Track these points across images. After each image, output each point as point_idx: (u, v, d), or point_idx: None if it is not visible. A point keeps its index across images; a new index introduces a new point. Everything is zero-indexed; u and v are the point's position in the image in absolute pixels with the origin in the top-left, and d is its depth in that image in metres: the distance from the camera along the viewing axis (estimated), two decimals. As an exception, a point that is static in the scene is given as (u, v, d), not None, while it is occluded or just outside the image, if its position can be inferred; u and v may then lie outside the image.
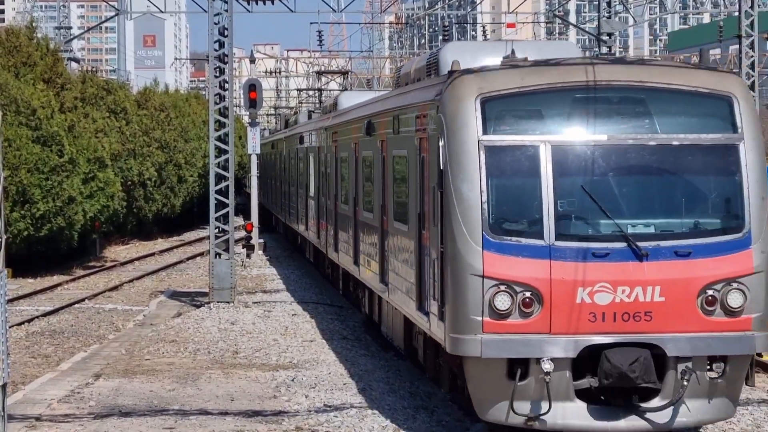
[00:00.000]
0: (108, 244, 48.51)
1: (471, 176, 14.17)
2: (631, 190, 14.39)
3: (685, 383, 13.81)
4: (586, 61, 14.92)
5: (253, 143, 41.87)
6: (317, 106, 55.99)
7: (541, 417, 13.90)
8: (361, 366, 20.23)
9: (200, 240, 52.64)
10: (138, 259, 44.40)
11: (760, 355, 14.97)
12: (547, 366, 13.71)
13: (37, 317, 27.73)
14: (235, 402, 17.45)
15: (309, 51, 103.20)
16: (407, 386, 18.42)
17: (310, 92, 77.68)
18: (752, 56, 37.02)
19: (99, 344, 23.96)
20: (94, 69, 76.36)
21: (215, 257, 29.11)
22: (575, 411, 13.94)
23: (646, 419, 13.88)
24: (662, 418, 13.89)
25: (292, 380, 18.98)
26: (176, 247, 50.54)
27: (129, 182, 48.66)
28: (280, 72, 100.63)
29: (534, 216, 14.11)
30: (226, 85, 29.71)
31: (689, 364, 13.85)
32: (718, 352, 13.95)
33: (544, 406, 13.80)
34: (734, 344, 13.95)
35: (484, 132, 14.27)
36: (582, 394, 13.92)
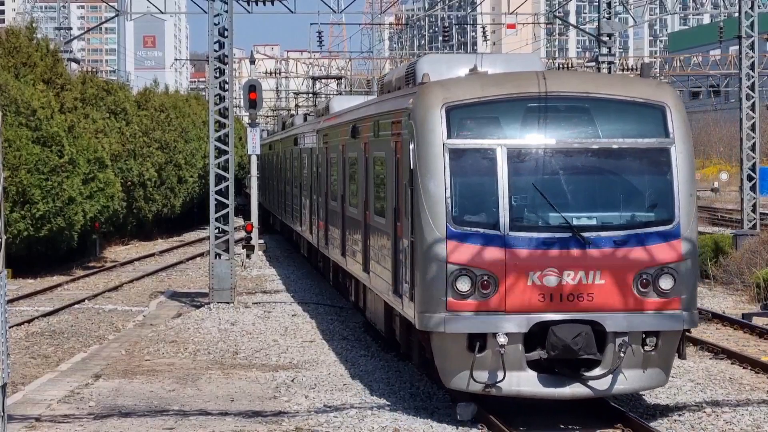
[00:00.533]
0: (108, 244, 48.50)
1: (437, 175, 16.20)
2: (576, 188, 16.34)
3: (622, 355, 15.78)
4: (538, 74, 16.79)
5: (253, 144, 41.85)
6: (312, 109, 58.37)
7: (497, 385, 15.88)
8: (361, 367, 20.23)
9: (200, 240, 52.63)
10: (138, 259, 44.39)
11: (689, 331, 17.02)
12: (502, 340, 15.72)
13: (37, 318, 27.72)
14: (235, 402, 17.45)
15: (309, 52, 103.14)
16: (407, 387, 18.42)
17: (306, 95, 79.80)
18: (752, 57, 37.02)
19: (99, 345, 23.95)
20: (94, 70, 76.33)
21: (215, 258, 29.11)
22: (527, 379, 15.91)
23: (588, 386, 15.89)
24: (602, 385, 15.89)
25: (292, 381, 18.98)
26: (176, 247, 50.53)
27: (129, 183, 48.65)
28: (279, 73, 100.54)
29: (491, 210, 16.10)
30: (226, 86, 29.70)
31: (626, 339, 15.84)
32: (651, 328, 15.98)
33: (500, 375, 15.83)
34: (665, 321, 16.02)
35: (449, 136, 16.29)
36: (533, 365, 15.87)
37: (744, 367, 20.22)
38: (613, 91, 16.83)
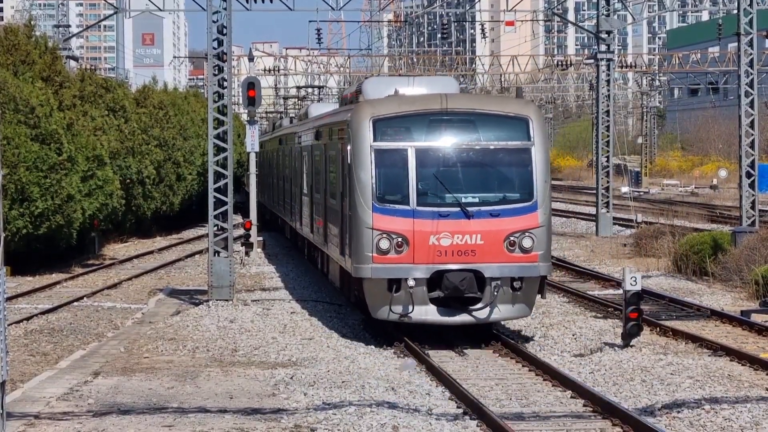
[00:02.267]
0: (107, 242, 48.48)
1: (366, 167, 22.71)
2: (464, 176, 22.86)
3: (496, 294, 22.20)
4: (442, 96, 23.29)
5: (252, 141, 41.83)
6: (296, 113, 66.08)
7: (408, 315, 22.30)
8: (359, 364, 20.24)
9: (199, 238, 52.63)
10: (137, 257, 44.37)
11: (545, 278, 22.75)
12: (411, 283, 22.10)
13: (36, 315, 27.71)
14: (233, 400, 17.46)
15: (308, 49, 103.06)
16: (406, 385, 18.43)
17: (295, 99, 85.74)
18: (751, 54, 37.00)
19: (98, 342, 23.95)
20: (92, 67, 76.29)
21: (214, 255, 29.11)
22: (429, 311, 22.32)
23: (473, 316, 22.37)
24: (482, 315, 22.36)
25: (291, 378, 18.98)
26: (175, 245, 50.51)
27: (128, 180, 48.61)
28: (278, 70, 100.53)
29: (404, 192, 22.55)
30: (225, 84, 29.70)
31: (499, 282, 22.20)
32: (517, 275, 22.35)
33: (410, 308, 22.28)
34: (527, 270, 22.37)
35: (374, 140, 22.79)
36: (433, 301, 22.22)
37: (743, 364, 20.22)
38: (492, 108, 23.58)
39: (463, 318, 22.32)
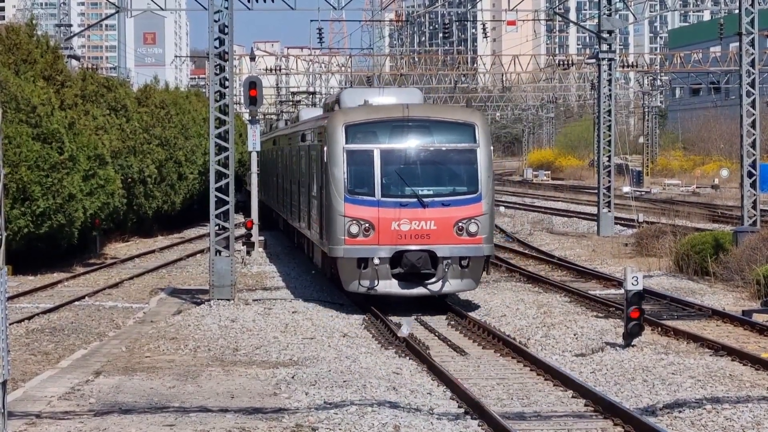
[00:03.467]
0: (108, 241, 48.49)
1: (339, 165, 27.04)
2: (421, 172, 27.15)
3: (447, 270, 26.53)
4: (404, 106, 27.69)
5: (254, 140, 41.84)
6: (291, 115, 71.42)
7: (374, 288, 26.61)
8: (361, 363, 20.24)
9: (200, 237, 52.63)
10: (138, 256, 44.38)
11: (489, 257, 27.12)
12: (376, 261, 26.42)
13: (37, 314, 27.71)
14: (235, 399, 17.45)
15: (309, 48, 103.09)
16: (408, 384, 18.43)
17: (290, 102, 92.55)
18: (753, 54, 36.99)
19: (99, 341, 23.95)
20: (94, 66, 76.27)
21: (215, 254, 29.11)
22: (392, 285, 26.62)
23: (428, 288, 26.68)
24: (435, 288, 26.71)
25: (293, 377, 18.98)
26: (176, 244, 50.51)
27: (129, 179, 48.60)
28: (280, 69, 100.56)
29: (370, 185, 26.80)
30: (227, 83, 29.70)
31: (449, 261, 26.50)
32: (464, 255, 26.70)
33: (376, 282, 26.59)
34: (473, 251, 26.76)
35: (346, 142, 27.13)
36: (395, 276, 26.51)
37: (744, 364, 20.21)
38: (444, 116, 28.15)
39: (419, 290, 26.76)
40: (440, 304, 27.57)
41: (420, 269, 26.37)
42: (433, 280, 26.50)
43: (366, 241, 26.50)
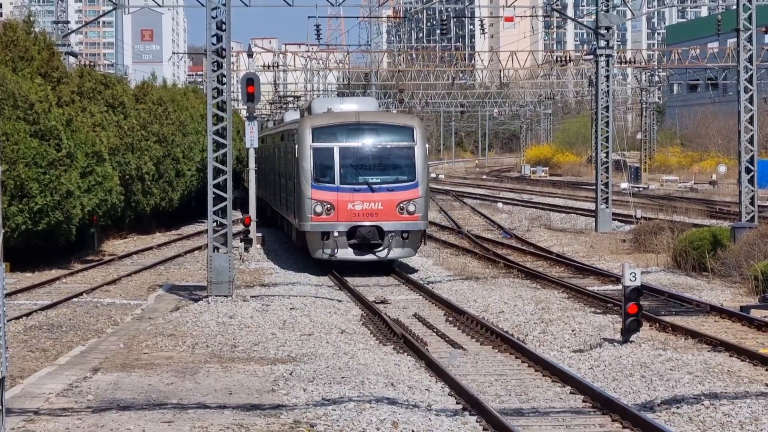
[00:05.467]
0: (106, 238, 48.45)
1: (307, 159, 34.48)
2: (371, 165, 34.44)
3: (391, 241, 33.69)
4: (356, 113, 35.44)
5: (251, 137, 41.78)
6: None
7: (335, 255, 33.85)
8: (359, 359, 20.23)
9: (198, 234, 52.60)
10: (136, 253, 44.36)
11: (425, 231, 35.11)
12: (336, 234, 33.70)
13: (35, 311, 27.68)
14: (233, 396, 17.45)
15: (307, 45, 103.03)
16: (406, 380, 18.42)
17: (278, 104, 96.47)
18: (750, 50, 37.00)
19: (97, 338, 23.94)
20: (91, 63, 76.20)
21: (213, 251, 29.10)
22: (348, 252, 33.87)
23: (376, 255, 33.88)
24: (382, 254, 33.88)
25: (291, 374, 18.97)
26: (174, 241, 50.48)
27: (127, 176, 48.56)
28: (278, 66, 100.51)
29: (332, 175, 34.06)
30: (224, 80, 29.68)
31: (393, 234, 33.71)
32: (405, 229, 33.90)
33: (336, 250, 33.83)
34: (411, 226, 33.98)
35: (312, 142, 34.57)
36: (350, 246, 33.73)
37: (742, 360, 20.22)
38: (389, 120, 36.03)
39: (369, 257, 34.07)
40: (386, 267, 35.01)
41: (370, 240, 33.81)
42: (381, 248, 33.99)
43: (328, 219, 33.97)
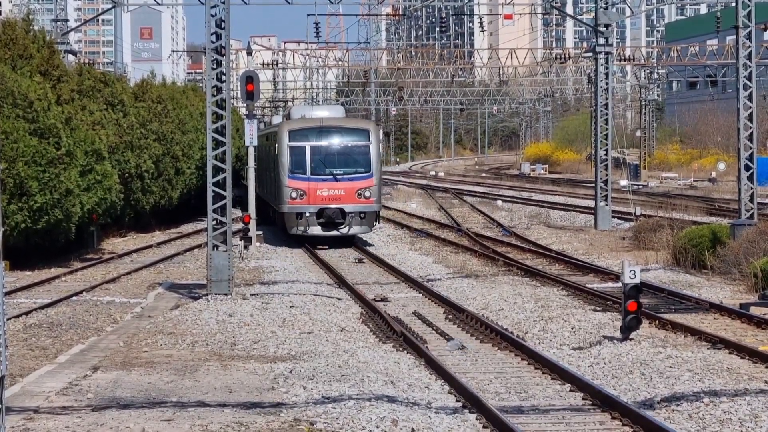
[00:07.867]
0: (105, 236, 48.44)
1: (285, 155, 43.87)
2: (336, 160, 43.80)
3: (351, 220, 43.09)
4: (321, 119, 45.49)
5: (251, 135, 41.83)
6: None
7: (307, 231, 43.36)
8: (359, 357, 20.23)
9: (198, 232, 52.59)
10: (136, 251, 44.36)
11: (378, 212, 44.89)
12: (308, 214, 43.20)
13: (35, 309, 27.67)
14: (233, 394, 17.46)
15: (306, 43, 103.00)
16: (406, 378, 18.42)
17: (272, 104, 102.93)
18: (749, 47, 36.99)
19: (97, 336, 23.94)
20: (91, 61, 76.12)
21: (213, 249, 29.09)
22: (317, 229, 43.37)
23: (339, 231, 43.21)
24: (344, 230, 43.28)
25: (290, 372, 18.97)
26: (174, 239, 50.48)
27: (126, 174, 48.56)
28: (277, 64, 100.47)
29: (304, 167, 43.51)
30: (223, 78, 29.66)
31: (353, 214, 43.14)
32: (362, 211, 43.31)
33: (308, 228, 43.34)
34: (367, 208, 43.38)
35: (289, 141, 43.91)
36: (319, 224, 43.21)
37: (742, 357, 20.22)
38: (348, 125, 45.61)
39: (334, 232, 43.11)
40: (348, 240, 43.74)
41: (335, 219, 42.97)
42: (343, 226, 43.12)
43: (301, 202, 43.19)
